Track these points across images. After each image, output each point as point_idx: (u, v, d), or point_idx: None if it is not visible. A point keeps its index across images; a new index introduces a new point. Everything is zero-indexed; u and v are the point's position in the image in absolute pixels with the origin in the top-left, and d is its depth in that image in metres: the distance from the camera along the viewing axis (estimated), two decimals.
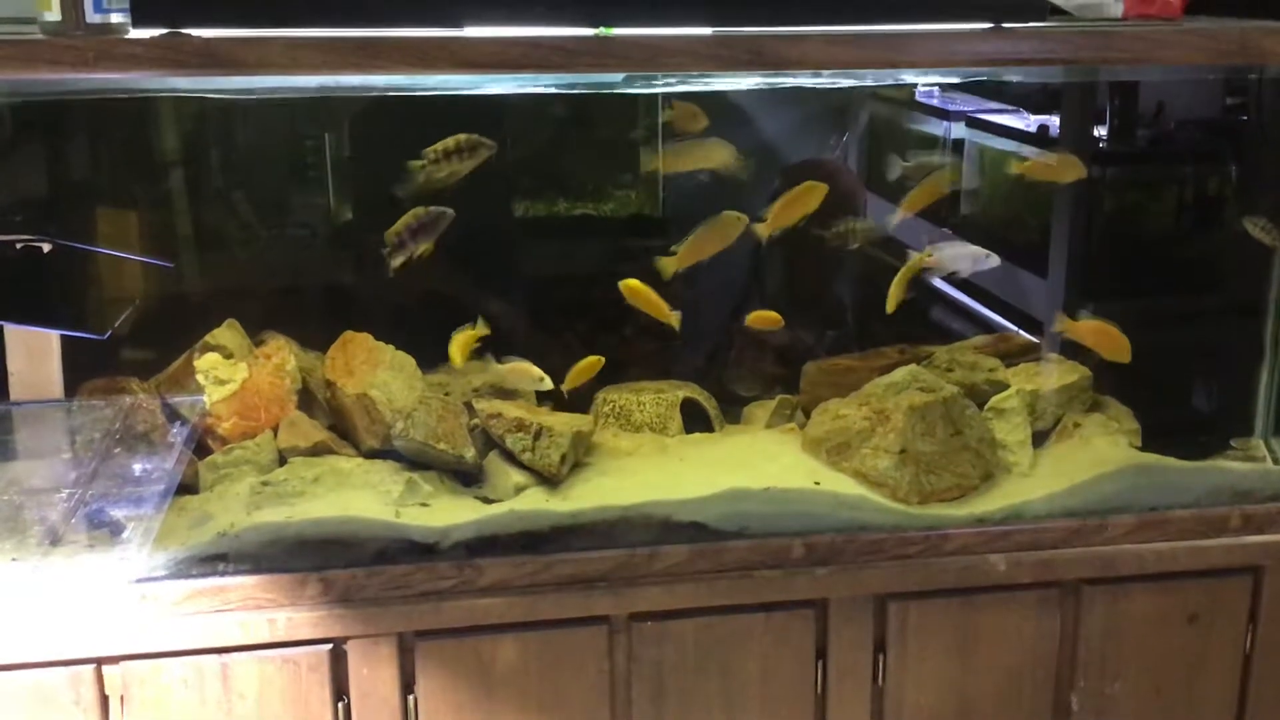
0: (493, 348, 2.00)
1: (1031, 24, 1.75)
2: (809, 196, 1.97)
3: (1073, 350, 2.13)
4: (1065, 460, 2.02)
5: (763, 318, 2.11)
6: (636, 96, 2.34)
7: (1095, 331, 2.03)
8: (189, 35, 1.56)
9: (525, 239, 2.50)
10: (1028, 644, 1.89)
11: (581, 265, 2.50)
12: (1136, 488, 1.95)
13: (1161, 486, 1.95)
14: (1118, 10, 1.93)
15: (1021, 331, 2.42)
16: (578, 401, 2.12)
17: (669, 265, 1.96)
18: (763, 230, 1.95)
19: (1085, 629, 1.90)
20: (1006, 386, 2.10)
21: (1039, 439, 2.07)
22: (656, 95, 2.23)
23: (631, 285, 1.97)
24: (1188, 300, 2.42)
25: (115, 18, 1.59)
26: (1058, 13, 1.92)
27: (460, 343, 1.95)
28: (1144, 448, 2.06)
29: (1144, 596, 1.91)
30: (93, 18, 1.58)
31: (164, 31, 1.57)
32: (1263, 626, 1.94)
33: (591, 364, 2.03)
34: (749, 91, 2.17)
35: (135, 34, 1.57)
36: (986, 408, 2.05)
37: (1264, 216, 2.03)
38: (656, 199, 2.53)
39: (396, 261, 1.85)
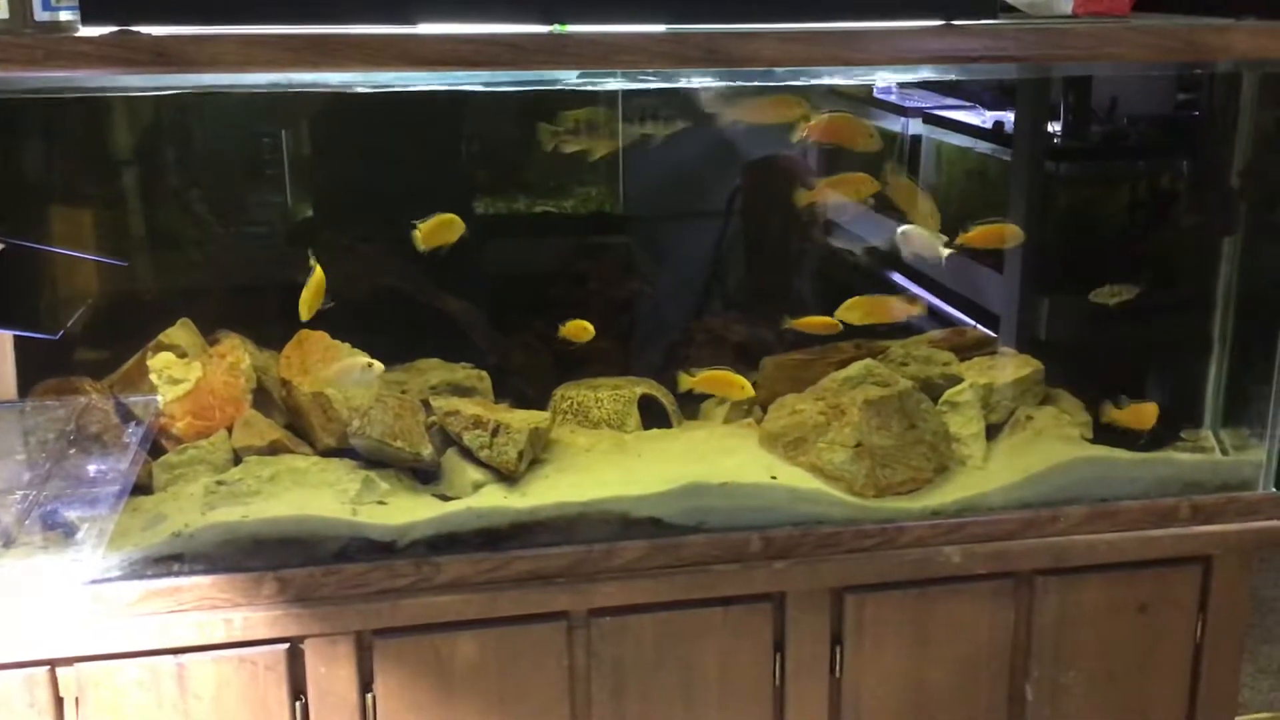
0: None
1: (982, 21, 1.76)
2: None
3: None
4: (1018, 453, 2.04)
5: (817, 322, 2.13)
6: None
7: (1138, 413, 2.09)
8: (139, 33, 1.55)
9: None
10: (982, 635, 1.91)
11: (542, 262, 2.50)
12: (1087, 479, 1.97)
13: (1112, 478, 1.98)
14: (1067, 7, 1.95)
15: (978, 325, 2.44)
16: (535, 398, 2.12)
17: (803, 197, 2.17)
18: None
19: (1039, 619, 1.92)
20: (961, 380, 2.12)
21: (992, 432, 2.09)
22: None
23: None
24: (1140, 293, 2.44)
25: (64, 15, 1.58)
26: (1009, 10, 1.94)
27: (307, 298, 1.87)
28: (1095, 440, 2.08)
29: (1096, 586, 1.93)
30: (41, 15, 1.57)
31: (114, 29, 1.55)
32: (1212, 615, 1.97)
33: (583, 327, 2.05)
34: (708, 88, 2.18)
35: (85, 32, 1.56)
36: (941, 401, 2.07)
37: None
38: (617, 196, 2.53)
39: (567, 147, 1.93)
